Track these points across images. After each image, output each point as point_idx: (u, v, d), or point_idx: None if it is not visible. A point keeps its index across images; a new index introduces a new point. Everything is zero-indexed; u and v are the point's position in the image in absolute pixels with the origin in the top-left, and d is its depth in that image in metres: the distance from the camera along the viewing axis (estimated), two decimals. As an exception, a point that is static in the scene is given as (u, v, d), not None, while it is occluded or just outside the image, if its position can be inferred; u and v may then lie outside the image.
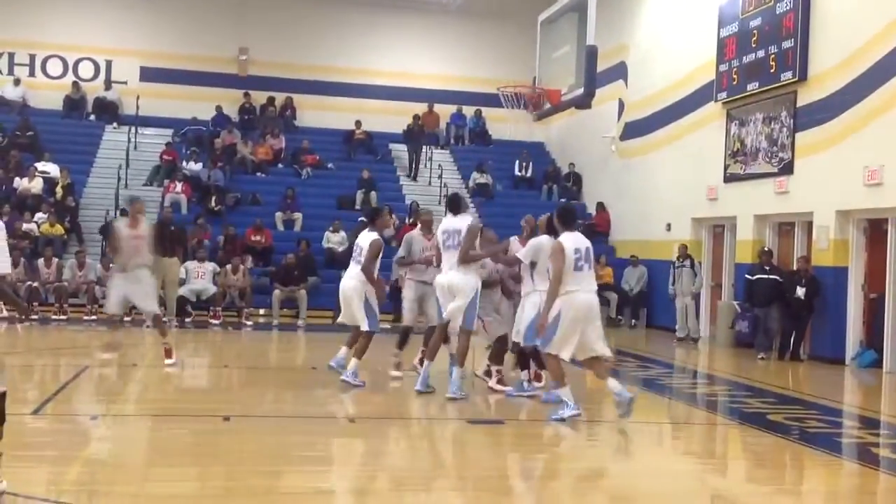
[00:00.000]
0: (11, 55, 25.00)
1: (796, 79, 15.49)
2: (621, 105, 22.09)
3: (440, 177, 24.27)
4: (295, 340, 16.66)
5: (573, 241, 8.27)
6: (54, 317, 17.28)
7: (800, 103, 15.59)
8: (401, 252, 11.15)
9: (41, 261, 18.07)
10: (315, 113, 26.13)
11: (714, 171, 17.91)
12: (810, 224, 15.33)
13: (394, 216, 21.64)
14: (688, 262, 17.74)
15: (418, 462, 7.20)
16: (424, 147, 25.56)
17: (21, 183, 20.73)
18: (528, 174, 24.80)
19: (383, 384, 10.54)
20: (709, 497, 6.52)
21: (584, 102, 15.53)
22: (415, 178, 24.81)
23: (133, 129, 23.85)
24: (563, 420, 8.23)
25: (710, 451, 8.39)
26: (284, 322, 18.12)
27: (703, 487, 6.72)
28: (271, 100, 25.83)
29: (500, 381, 9.93)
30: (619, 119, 22.22)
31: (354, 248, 10.38)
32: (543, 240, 8.97)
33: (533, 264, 9.07)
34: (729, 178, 17.56)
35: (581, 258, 8.20)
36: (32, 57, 25.18)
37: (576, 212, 9.07)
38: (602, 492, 6.51)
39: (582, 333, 8.15)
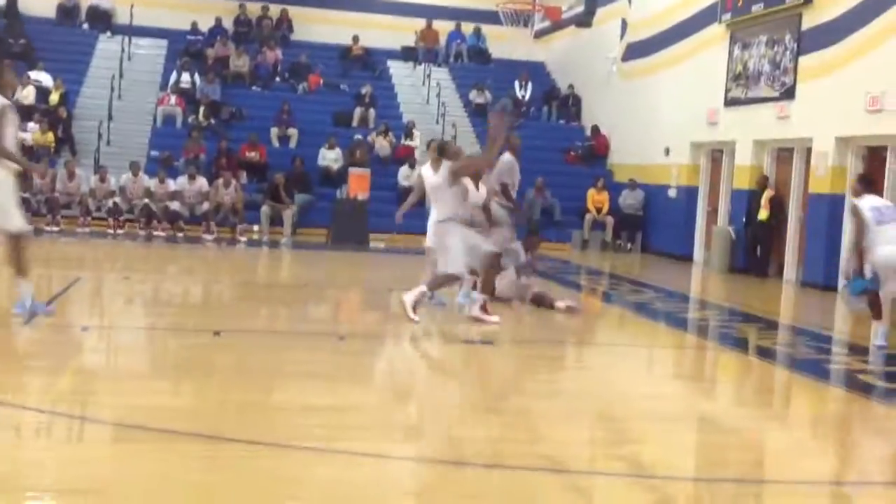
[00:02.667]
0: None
1: (802, 1, 15.20)
2: (624, 25, 21.72)
3: (438, 95, 23.99)
4: (283, 258, 16.64)
5: None
6: (46, 228, 17.21)
7: (804, 26, 15.33)
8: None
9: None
10: (311, 26, 25.69)
11: (715, 94, 17.70)
12: (809, 150, 15.21)
13: (391, 134, 21.53)
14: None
15: (406, 378, 7.23)
16: (423, 64, 25.24)
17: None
18: (527, 95, 24.51)
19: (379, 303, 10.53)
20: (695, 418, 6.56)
21: (584, 20, 15.32)
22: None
23: (127, 38, 23.45)
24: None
25: (699, 373, 8.45)
26: (275, 239, 18.10)
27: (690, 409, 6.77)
28: (266, 10, 25.35)
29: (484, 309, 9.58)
30: (621, 39, 21.87)
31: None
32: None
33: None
34: (730, 102, 17.37)
35: None
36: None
37: None
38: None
39: None
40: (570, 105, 24.12)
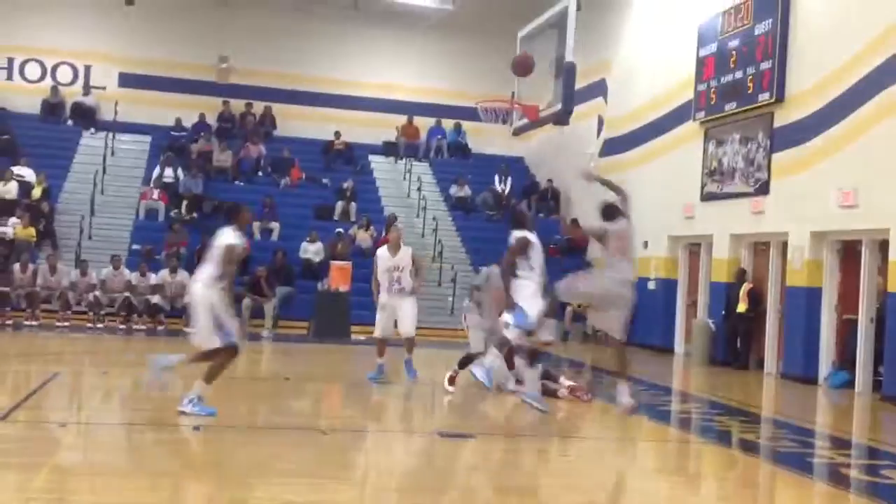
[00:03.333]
0: (-11, 58, 24.83)
1: (773, 100, 15.63)
2: (601, 122, 22.20)
3: (419, 189, 24.28)
4: (264, 351, 16.56)
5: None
6: (26, 322, 17.10)
7: (776, 124, 15.73)
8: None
9: (17, 265, 17.85)
10: (294, 122, 26.06)
11: (691, 189, 18.02)
12: (785, 244, 15.45)
13: (372, 228, 21.71)
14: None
15: (388, 477, 7.16)
16: (404, 158, 25.62)
17: (-3, 186, 20.54)
18: (507, 188, 24.82)
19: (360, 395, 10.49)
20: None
21: (562, 119, 15.58)
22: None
23: (111, 134, 23.70)
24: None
25: (681, 467, 8.41)
26: (256, 332, 18.03)
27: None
28: (249, 107, 25.77)
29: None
30: (598, 136, 22.32)
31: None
32: None
33: None
34: (706, 197, 17.67)
35: None
36: (10, 60, 24.97)
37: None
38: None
39: None
40: (549, 199, 24.44)
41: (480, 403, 10.34)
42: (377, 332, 11.37)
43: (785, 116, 15.52)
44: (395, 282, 11.19)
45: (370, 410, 10.12)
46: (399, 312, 11.23)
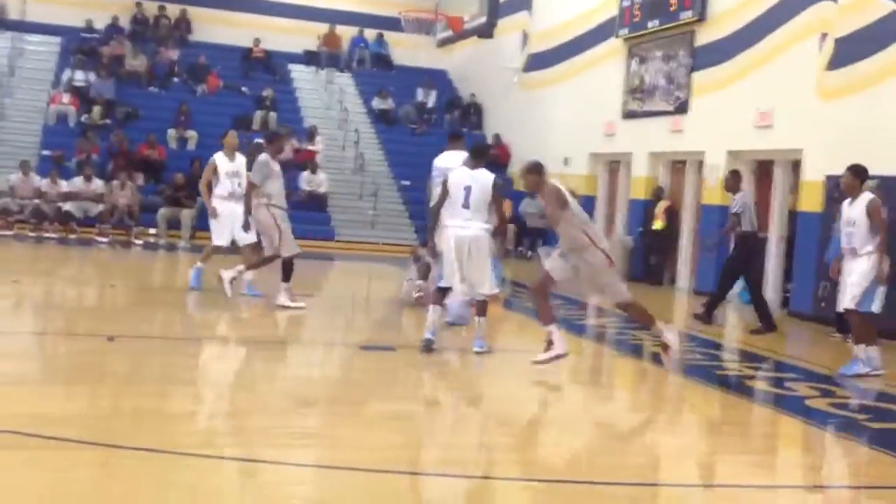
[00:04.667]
0: None
1: (696, 18, 15.68)
2: (525, 36, 22.03)
3: (340, 100, 23.91)
4: (181, 261, 16.32)
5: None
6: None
7: (698, 43, 15.82)
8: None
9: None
10: (211, 27, 25.28)
11: (613, 107, 18.10)
12: (702, 163, 15.70)
13: (293, 140, 21.35)
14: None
15: (296, 385, 7.18)
16: (325, 69, 25.14)
17: None
18: (430, 102, 24.62)
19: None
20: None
21: (485, 31, 15.45)
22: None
23: (19, 35, 22.68)
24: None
25: (594, 379, 8.62)
26: (172, 242, 17.74)
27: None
28: (163, 9, 24.87)
29: None
30: (522, 50, 22.18)
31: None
32: None
33: None
34: (627, 115, 17.78)
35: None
36: None
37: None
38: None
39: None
40: (472, 113, 24.33)
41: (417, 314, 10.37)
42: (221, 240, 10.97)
43: (706, 35, 15.61)
44: (236, 187, 10.82)
45: (285, 322, 10.07)
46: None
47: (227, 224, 10.80)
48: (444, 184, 8.21)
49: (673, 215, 16.36)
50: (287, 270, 10.20)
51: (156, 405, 5.93)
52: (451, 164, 8.89)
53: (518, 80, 22.19)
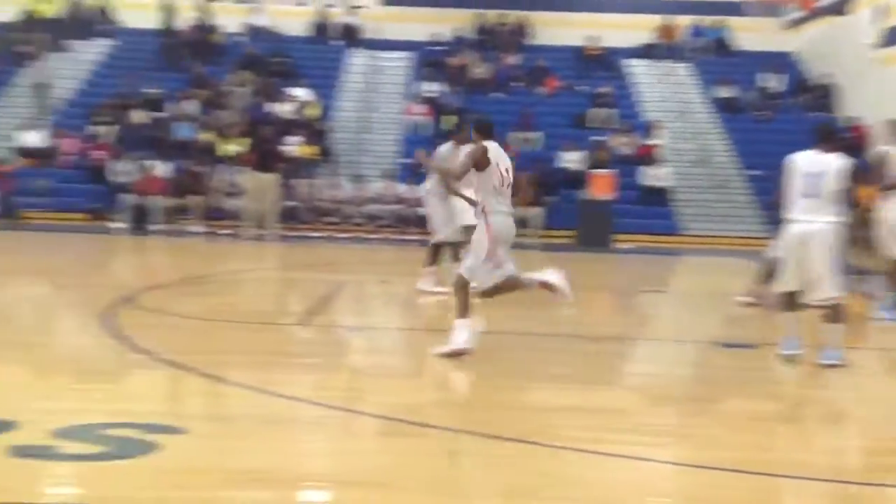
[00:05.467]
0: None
1: None
2: (880, 10, 20.32)
3: (679, 92, 23.50)
4: (532, 260, 16.82)
5: None
6: (312, 234, 18.40)
7: None
8: None
9: (302, 182, 19.17)
10: (548, 30, 25.85)
11: None
12: None
13: (632, 134, 21.30)
14: None
15: (664, 382, 7.15)
16: (664, 61, 24.83)
17: (273, 107, 21.90)
18: (776, 87, 23.46)
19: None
20: None
21: (839, 8, 14.48)
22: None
23: (374, 52, 24.58)
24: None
25: None
26: (521, 241, 18.32)
27: None
28: (503, 17, 25.80)
29: None
30: (877, 24, 20.48)
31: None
32: None
33: None
34: None
35: None
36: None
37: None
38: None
39: None
40: (823, 96, 22.88)
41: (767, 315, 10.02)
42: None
43: None
44: None
45: (640, 319, 10.09)
46: None
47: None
48: (788, 172, 7.27)
49: None
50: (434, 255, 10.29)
51: (511, 397, 6.19)
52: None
53: (874, 56, 20.54)
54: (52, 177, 19.76)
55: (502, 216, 6.99)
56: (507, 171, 7.02)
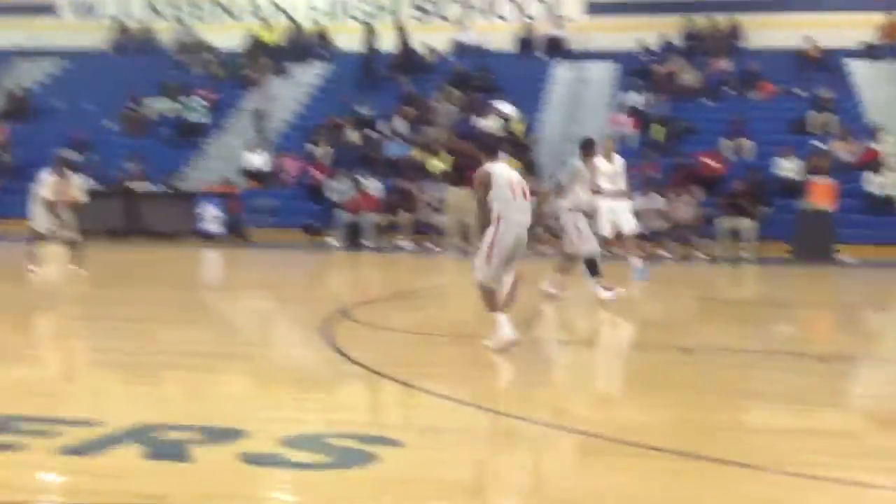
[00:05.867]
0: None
1: None
2: None
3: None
4: (746, 274, 16.25)
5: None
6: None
7: None
8: None
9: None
10: (762, 32, 24.86)
11: None
12: None
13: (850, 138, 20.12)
14: None
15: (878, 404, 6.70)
16: (888, 60, 23.34)
17: (478, 122, 22.18)
18: None
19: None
20: None
21: None
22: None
23: (578, 63, 24.49)
24: None
25: None
26: (734, 254, 17.70)
27: None
28: (713, 21, 25.05)
29: None
30: None
31: None
32: None
33: None
34: None
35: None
36: (490, 3, 26.71)
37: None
38: None
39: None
40: None
41: None
42: None
43: None
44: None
45: (868, 338, 9.51)
46: None
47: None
48: None
49: None
50: (592, 267, 10.89)
51: (727, 417, 5.98)
52: None
53: None
54: (274, 197, 20.91)
55: (513, 225, 7.65)
56: (517, 182, 7.86)
